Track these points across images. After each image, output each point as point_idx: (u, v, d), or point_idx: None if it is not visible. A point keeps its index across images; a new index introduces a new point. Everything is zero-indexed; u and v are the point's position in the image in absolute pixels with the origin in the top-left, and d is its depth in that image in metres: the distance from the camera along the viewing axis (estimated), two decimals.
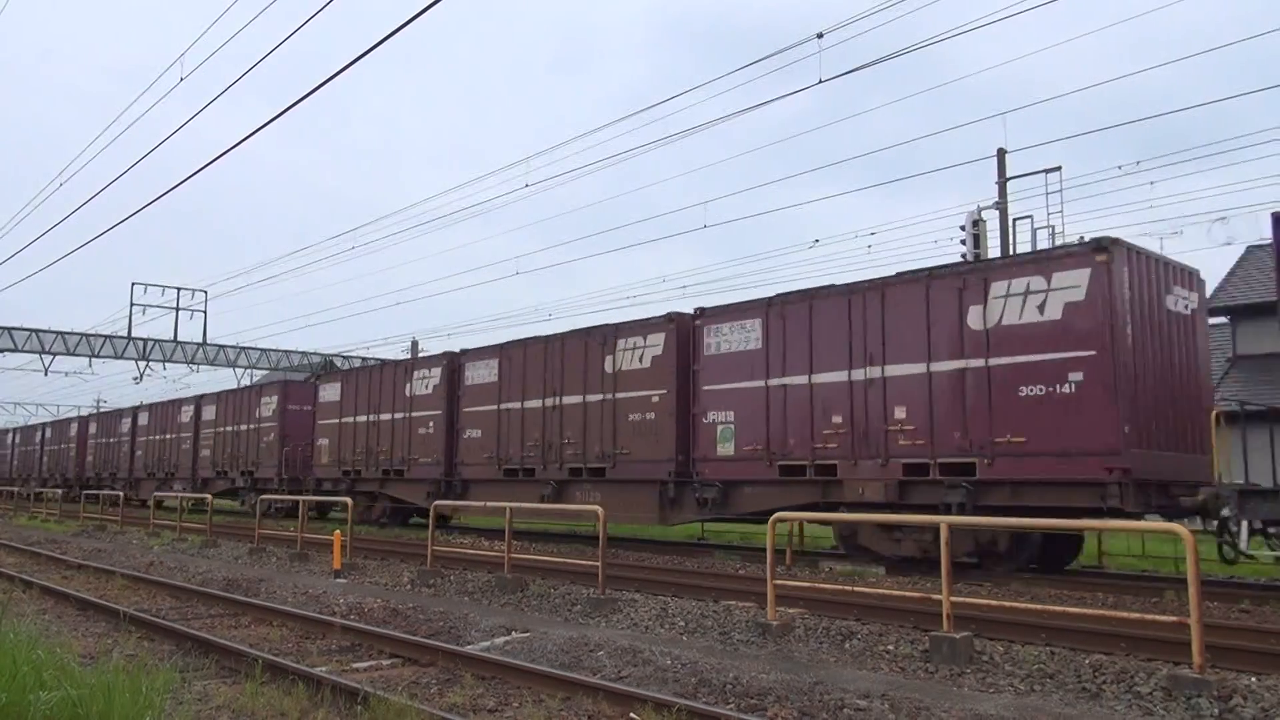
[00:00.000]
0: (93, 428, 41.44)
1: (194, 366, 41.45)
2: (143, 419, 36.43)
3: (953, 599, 7.79)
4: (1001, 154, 22.34)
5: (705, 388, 15.74)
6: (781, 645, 8.40)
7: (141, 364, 40.30)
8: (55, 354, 39.36)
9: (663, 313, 16.92)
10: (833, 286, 14.35)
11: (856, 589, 10.32)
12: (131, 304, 38.44)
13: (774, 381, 14.65)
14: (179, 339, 40.12)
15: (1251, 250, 25.47)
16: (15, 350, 38.59)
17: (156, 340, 40.21)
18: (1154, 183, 53.16)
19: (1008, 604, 8.98)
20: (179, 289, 39.43)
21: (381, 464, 23.06)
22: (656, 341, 16.67)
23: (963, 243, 21.71)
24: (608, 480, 17.30)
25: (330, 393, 25.62)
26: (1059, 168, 20.33)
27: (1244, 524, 10.20)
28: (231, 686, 6.82)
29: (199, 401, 32.59)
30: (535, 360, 19.04)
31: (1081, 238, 14.22)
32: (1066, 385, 11.46)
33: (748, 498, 15.06)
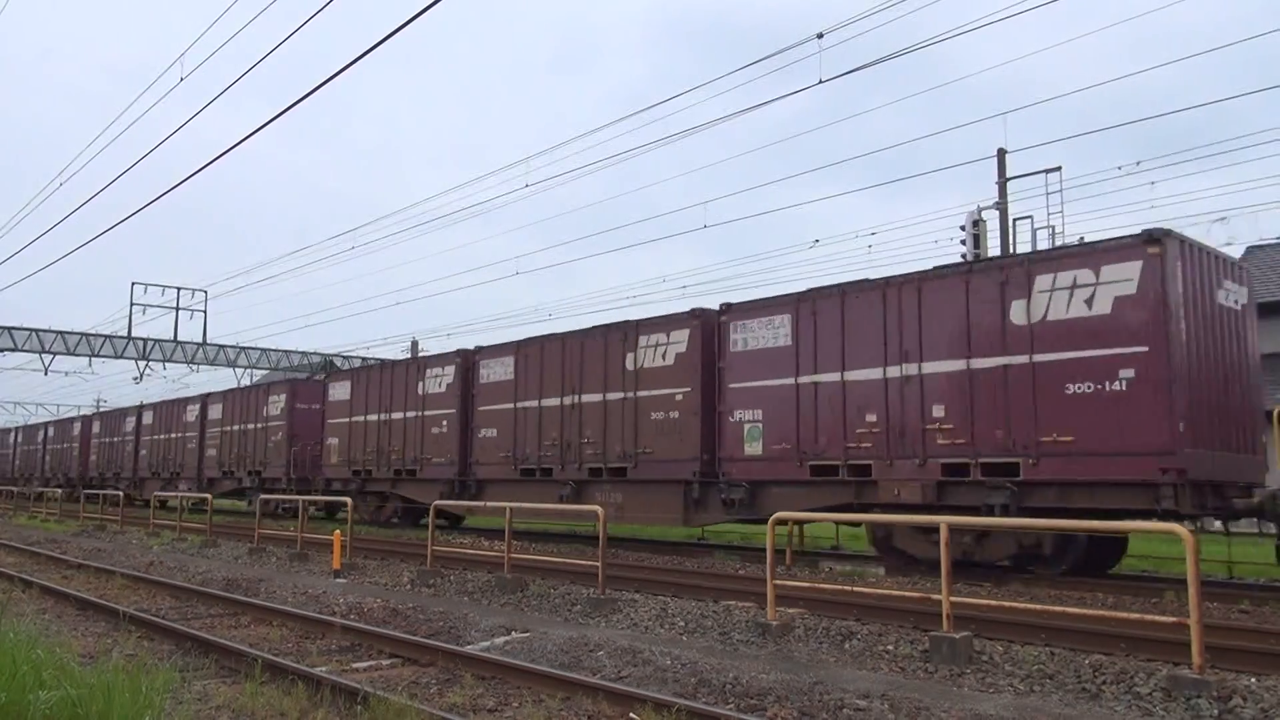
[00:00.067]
0: (96, 427, 41.25)
1: (194, 366, 41.48)
2: (147, 418, 36.15)
3: (952, 599, 7.79)
4: (1002, 154, 22.35)
5: (731, 385, 15.32)
6: (781, 645, 8.40)
7: (141, 364, 40.32)
8: (55, 354, 39.35)
9: (686, 309, 16.50)
10: (866, 281, 13.91)
11: (856, 589, 10.32)
12: (131, 304, 38.47)
13: (804, 379, 14.25)
14: (179, 339, 40.14)
15: (1251, 250, 25.47)
16: (15, 350, 38.59)
17: (156, 340, 40.22)
18: (1154, 183, 53.21)
19: (1007, 604, 8.98)
20: (179, 289, 39.46)
21: (393, 464, 22.72)
22: (680, 338, 16.28)
23: (963, 243, 21.73)
24: (629, 480, 16.93)
25: (340, 391, 25.24)
26: (1059, 168, 20.36)
27: None
28: (231, 686, 6.82)
29: (205, 400, 32.24)
30: (553, 357, 18.66)
31: (1081, 238, 14.19)
32: (1117, 382, 11.07)
33: (776, 498, 14.55)
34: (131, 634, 9.02)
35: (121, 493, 27.41)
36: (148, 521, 24.04)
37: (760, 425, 14.86)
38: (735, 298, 15.86)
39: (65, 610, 10.89)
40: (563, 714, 6.08)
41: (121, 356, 40.03)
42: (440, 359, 22.31)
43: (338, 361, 43.43)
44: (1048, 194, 20.25)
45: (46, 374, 42.91)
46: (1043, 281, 11.82)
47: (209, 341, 40.98)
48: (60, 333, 38.83)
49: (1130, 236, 11.37)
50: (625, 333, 17.28)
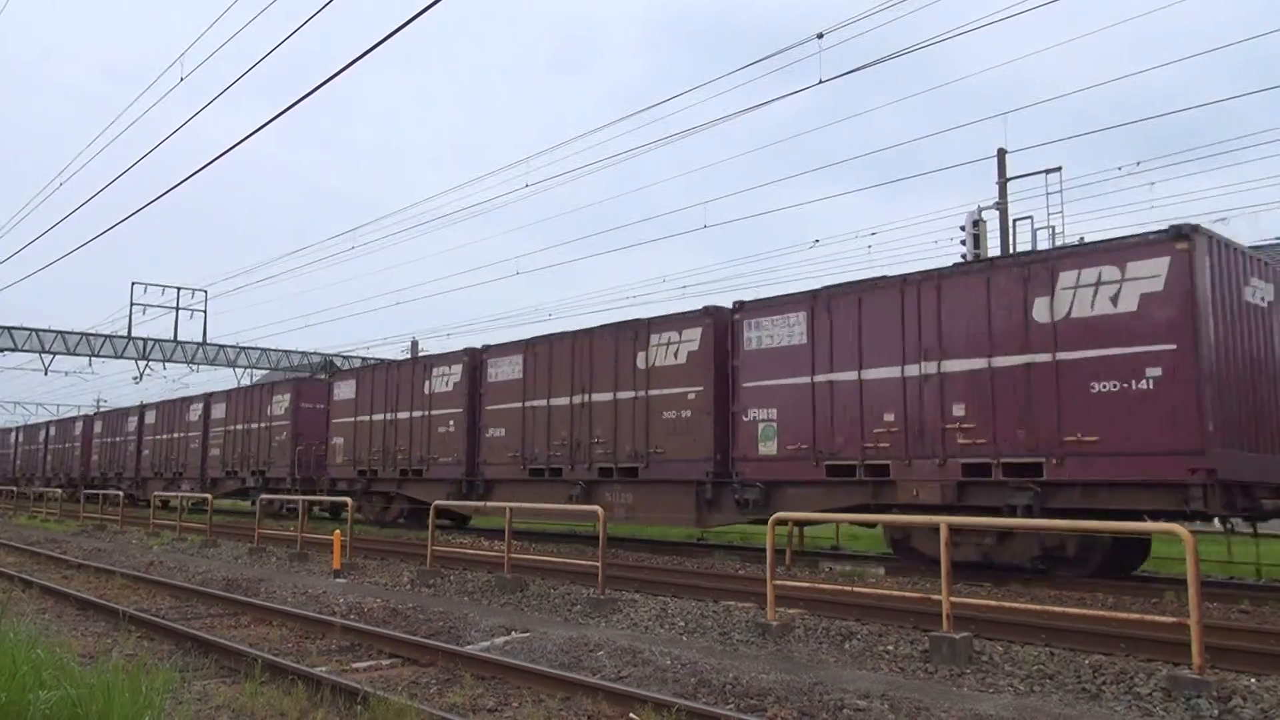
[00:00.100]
0: (98, 426, 41.06)
1: (194, 366, 41.50)
2: (150, 418, 35.91)
3: (952, 599, 7.79)
4: (1002, 154, 22.35)
5: (745, 384, 15.10)
6: (781, 645, 8.40)
7: (141, 364, 40.33)
8: (55, 353, 39.37)
9: (698, 307, 16.35)
10: (884, 278, 13.71)
11: (856, 589, 10.32)
12: (131, 303, 38.48)
13: (820, 378, 14.06)
14: (179, 339, 40.15)
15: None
16: (15, 350, 38.62)
17: (156, 340, 40.23)
18: (1154, 183, 53.06)
19: (1007, 604, 8.98)
20: (179, 289, 39.46)
21: (399, 464, 22.51)
22: (692, 336, 16.09)
23: (963, 243, 21.73)
24: (640, 481, 16.74)
25: (345, 390, 25.00)
26: (1059, 168, 20.37)
27: None
28: (231, 686, 6.83)
29: (208, 400, 32.02)
30: (562, 356, 18.46)
31: (1081, 238, 14.17)
32: (1144, 381, 10.88)
33: (792, 499, 14.37)
34: (131, 634, 9.02)
35: (121, 492, 27.39)
36: (148, 521, 24.04)
37: (775, 425, 14.65)
38: (735, 297, 15.77)
39: (65, 610, 10.90)
40: (563, 714, 6.08)
41: (121, 356, 40.05)
42: (447, 358, 22.03)
43: (338, 361, 43.45)
44: (1048, 194, 20.28)
45: (46, 374, 42.98)
46: (1067, 278, 11.64)
47: (209, 341, 41.02)
48: (60, 333, 38.85)
49: (1157, 232, 11.17)
50: (636, 331, 17.10)
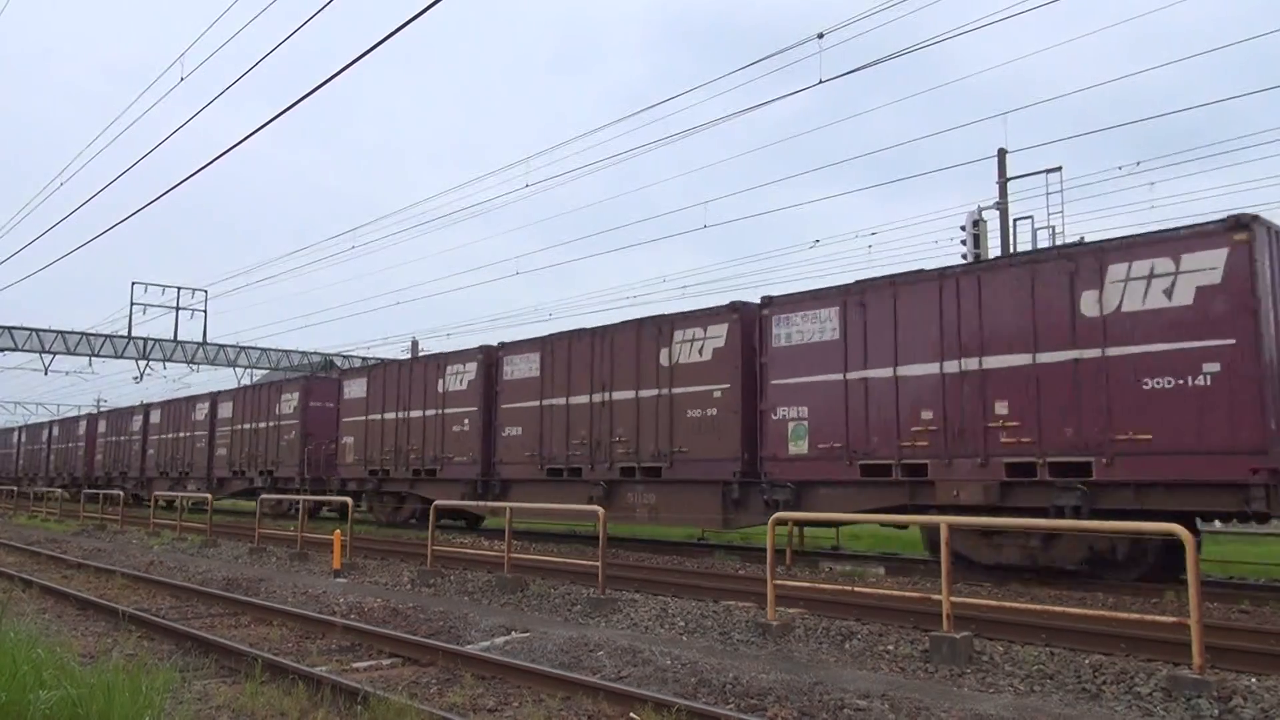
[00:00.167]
0: (102, 426, 40.86)
1: (194, 366, 41.53)
2: (155, 417, 35.57)
3: (952, 599, 7.79)
4: (1002, 154, 22.36)
5: (774, 382, 14.70)
6: (781, 645, 8.40)
7: (141, 363, 40.36)
8: (55, 353, 39.38)
9: (725, 302, 15.98)
10: (921, 272, 13.38)
11: (856, 589, 10.32)
12: (131, 303, 38.49)
13: (853, 375, 13.68)
14: (179, 338, 40.16)
15: None
16: (15, 349, 38.64)
17: (156, 340, 40.25)
18: (1154, 183, 53.14)
19: (1007, 604, 8.98)
20: (179, 288, 39.47)
21: (411, 463, 22.16)
22: (718, 333, 15.69)
23: (963, 243, 21.74)
24: (664, 481, 16.37)
25: (355, 389, 24.61)
26: (1059, 168, 20.36)
27: None
28: (231, 686, 6.83)
29: (215, 398, 31.67)
30: (581, 354, 18.07)
31: (1081, 238, 14.13)
32: (1201, 377, 10.48)
33: (824, 499, 14.02)
34: (131, 634, 9.02)
35: (121, 492, 27.34)
36: (148, 521, 24.04)
37: (806, 423, 14.28)
38: (735, 298, 15.75)
39: (65, 610, 10.90)
40: (563, 714, 6.08)
41: (122, 356, 40.06)
42: (461, 355, 21.63)
43: (338, 361, 43.48)
44: (1048, 194, 20.26)
45: (46, 374, 42.99)
46: (1116, 271, 11.25)
47: (209, 341, 41.05)
48: (60, 332, 38.87)
49: (1214, 222, 10.76)
50: (660, 327, 16.69)
